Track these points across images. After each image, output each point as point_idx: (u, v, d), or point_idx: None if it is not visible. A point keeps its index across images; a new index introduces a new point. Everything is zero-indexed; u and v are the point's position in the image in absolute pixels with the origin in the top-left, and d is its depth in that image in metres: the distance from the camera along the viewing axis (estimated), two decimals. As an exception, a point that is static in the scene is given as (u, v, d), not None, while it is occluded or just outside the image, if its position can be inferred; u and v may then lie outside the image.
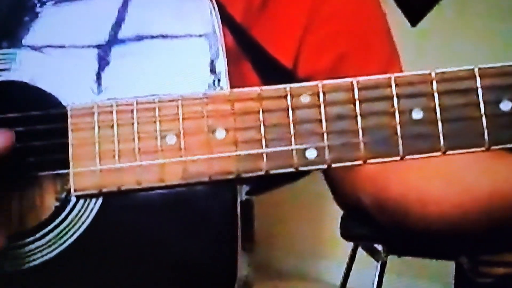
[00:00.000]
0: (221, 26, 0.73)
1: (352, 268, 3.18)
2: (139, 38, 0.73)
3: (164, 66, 0.73)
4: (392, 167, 0.83)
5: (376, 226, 0.93)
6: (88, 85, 0.72)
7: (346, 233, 2.86)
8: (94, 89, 0.72)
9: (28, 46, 0.73)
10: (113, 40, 0.73)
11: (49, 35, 0.74)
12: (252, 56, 0.86)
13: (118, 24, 0.73)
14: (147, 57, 0.73)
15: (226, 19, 0.79)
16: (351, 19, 0.91)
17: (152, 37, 0.73)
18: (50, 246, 0.70)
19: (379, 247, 2.88)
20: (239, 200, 0.72)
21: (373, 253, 2.90)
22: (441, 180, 0.82)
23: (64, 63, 0.72)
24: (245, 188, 0.74)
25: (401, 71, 0.92)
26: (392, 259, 2.83)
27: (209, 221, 0.72)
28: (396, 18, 0.99)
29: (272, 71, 0.87)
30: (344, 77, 0.89)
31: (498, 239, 0.84)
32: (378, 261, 2.85)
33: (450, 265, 2.82)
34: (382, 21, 0.95)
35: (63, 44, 0.73)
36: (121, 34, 0.73)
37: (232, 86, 0.72)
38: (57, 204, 0.71)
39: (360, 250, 3.07)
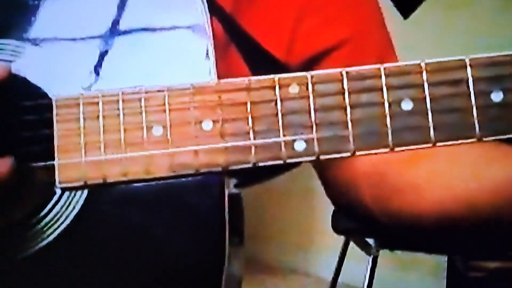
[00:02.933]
0: (209, 16, 0.72)
1: (344, 262, 3.18)
2: (128, 31, 0.72)
3: (154, 59, 0.72)
4: (388, 161, 0.83)
5: (368, 223, 0.92)
6: (78, 77, 0.71)
7: (337, 227, 2.86)
8: (89, 81, 0.71)
9: (26, 38, 0.72)
10: (112, 32, 0.72)
11: (45, 27, 0.73)
12: (241, 46, 0.85)
13: (116, 16, 0.72)
14: (140, 50, 0.72)
15: (215, 10, 0.78)
16: (344, 7, 0.90)
17: (141, 29, 0.72)
18: (34, 240, 0.69)
19: (371, 241, 2.87)
20: (227, 193, 0.71)
21: (364, 247, 2.90)
22: (444, 172, 0.81)
23: (59, 56, 0.72)
24: (233, 181, 0.73)
25: (397, 60, 0.92)
26: (384, 253, 2.83)
27: (196, 215, 0.71)
28: (387, 10, 0.98)
29: (262, 62, 0.86)
30: (338, 67, 0.88)
31: (490, 240, 0.84)
32: (369, 255, 2.85)
33: (442, 259, 2.83)
34: (376, 9, 0.94)
35: (59, 36, 0.72)
36: (121, 26, 0.72)
37: (220, 77, 0.71)
38: (42, 196, 0.70)
39: (351, 244, 3.07)
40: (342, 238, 3.15)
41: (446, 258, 2.87)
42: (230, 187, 0.72)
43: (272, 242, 4.23)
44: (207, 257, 0.71)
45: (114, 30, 0.73)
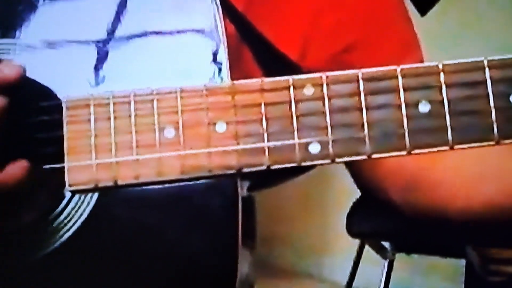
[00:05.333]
0: (222, 16, 0.71)
1: (359, 266, 3.16)
2: (138, 34, 0.72)
3: (164, 60, 0.71)
4: (421, 161, 0.82)
5: (382, 225, 0.92)
6: (85, 78, 0.70)
7: (352, 230, 2.83)
8: (91, 82, 0.70)
9: (25, 39, 0.72)
10: (112, 35, 0.71)
11: (47, 29, 0.72)
12: (254, 47, 0.84)
13: (117, 19, 0.71)
14: (146, 52, 0.71)
15: (227, 9, 0.77)
16: (360, 7, 0.89)
17: (151, 32, 0.72)
18: (45, 241, 0.68)
19: (387, 245, 2.85)
20: (240, 196, 0.70)
21: (380, 250, 2.87)
22: (472, 176, 0.81)
23: (61, 57, 0.71)
24: (246, 184, 0.72)
25: (421, 60, 0.90)
26: (400, 257, 2.81)
27: (209, 218, 0.70)
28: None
29: (275, 63, 0.85)
30: (352, 68, 0.87)
31: None
32: (385, 259, 2.82)
33: (460, 264, 2.80)
34: (396, 7, 0.92)
35: (61, 39, 0.72)
36: (121, 30, 0.71)
37: (233, 77, 0.70)
38: (52, 199, 0.69)
39: (367, 248, 3.05)
40: (357, 242, 3.13)
41: (464, 262, 2.85)
42: (244, 190, 0.71)
43: (286, 245, 4.22)
44: (220, 260, 0.70)
45: (117, 34, 0.72)
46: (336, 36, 0.88)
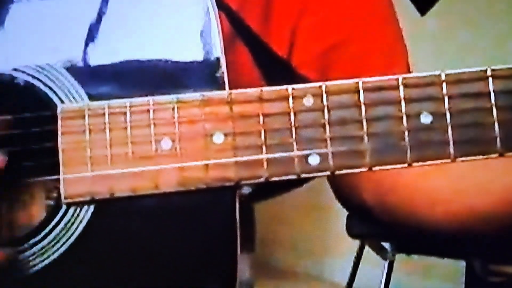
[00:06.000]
0: (216, 7, 0.70)
1: (359, 267, 3.15)
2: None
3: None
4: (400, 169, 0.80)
5: (380, 226, 0.90)
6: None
7: (352, 231, 2.82)
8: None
9: None
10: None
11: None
12: (247, 42, 0.83)
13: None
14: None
15: (222, 7, 0.76)
16: (344, 7, 0.88)
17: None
18: (40, 255, 0.67)
19: (387, 245, 2.84)
20: (237, 199, 0.68)
21: (380, 251, 2.86)
22: (450, 180, 0.79)
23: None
24: (247, 189, 0.71)
25: (407, 64, 0.89)
26: (400, 258, 2.80)
27: (206, 223, 0.69)
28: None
29: (267, 58, 0.85)
30: (339, 67, 0.85)
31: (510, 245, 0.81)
32: (385, 260, 2.81)
33: (461, 264, 2.79)
34: (383, 9, 0.91)
35: None
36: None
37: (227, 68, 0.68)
38: (47, 211, 0.68)
39: (367, 249, 3.04)
40: (357, 242, 3.12)
41: (464, 263, 2.84)
42: (241, 194, 0.70)
43: (286, 247, 4.21)
44: (219, 267, 0.68)
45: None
46: (319, 36, 0.87)
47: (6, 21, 0.71)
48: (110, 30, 0.70)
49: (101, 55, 0.69)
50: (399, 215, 0.83)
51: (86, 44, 0.69)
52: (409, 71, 0.88)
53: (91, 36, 0.69)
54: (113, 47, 0.69)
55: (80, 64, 0.69)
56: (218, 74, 0.68)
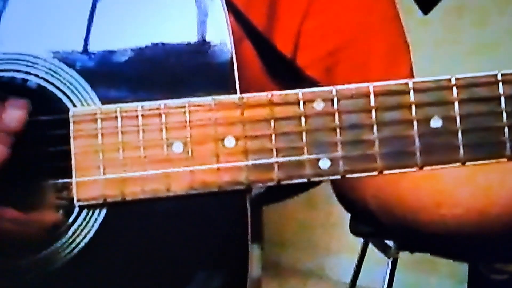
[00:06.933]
0: (227, 13, 0.70)
1: (363, 265, 3.15)
2: None
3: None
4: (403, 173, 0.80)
5: (382, 228, 0.91)
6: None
7: (356, 229, 2.83)
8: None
9: None
10: None
11: None
12: (254, 42, 0.84)
13: None
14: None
15: (229, 6, 0.76)
16: (345, 11, 0.88)
17: None
18: (53, 257, 0.67)
19: (390, 243, 2.85)
20: (248, 202, 0.69)
21: (384, 249, 2.87)
22: (456, 183, 0.79)
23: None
24: (258, 189, 0.71)
25: (409, 64, 0.89)
26: (403, 256, 2.80)
27: (218, 225, 0.69)
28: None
29: (274, 59, 0.85)
30: (344, 68, 0.85)
31: None
32: (389, 258, 2.82)
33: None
34: (386, 11, 0.91)
35: None
36: None
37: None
38: (60, 214, 0.68)
39: (370, 247, 3.04)
40: (360, 240, 3.13)
41: (467, 261, 2.84)
42: (252, 196, 0.70)
43: (291, 245, 4.22)
44: (231, 266, 0.69)
45: None
46: (320, 40, 0.87)
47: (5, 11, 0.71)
48: (109, 16, 0.70)
49: (101, 42, 0.69)
50: (402, 218, 0.83)
51: (88, 32, 0.69)
52: (411, 70, 0.88)
53: (90, 24, 0.69)
54: (112, 34, 0.69)
55: (81, 53, 0.69)
56: (228, 76, 0.68)
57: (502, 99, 0.64)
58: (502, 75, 0.65)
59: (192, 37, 0.70)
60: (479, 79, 0.65)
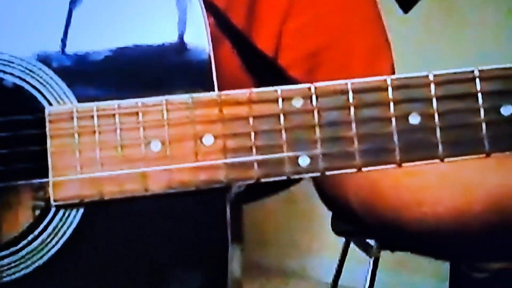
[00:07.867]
0: (205, 12, 0.70)
1: (344, 264, 3.16)
2: None
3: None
4: (385, 170, 0.80)
5: (365, 227, 0.91)
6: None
7: (337, 228, 2.84)
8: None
9: None
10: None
11: None
12: (233, 41, 0.83)
13: None
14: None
15: (210, 7, 0.76)
16: (326, 11, 0.88)
17: None
18: (27, 260, 0.66)
19: (372, 242, 2.86)
20: (227, 200, 0.69)
21: (365, 248, 2.88)
22: (437, 181, 0.79)
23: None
24: (238, 187, 0.71)
25: (391, 63, 0.89)
26: (385, 255, 2.81)
27: (197, 225, 0.69)
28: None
29: (255, 58, 0.85)
30: (325, 69, 0.86)
31: (498, 246, 0.81)
32: (371, 257, 2.83)
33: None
34: (367, 11, 0.91)
35: None
36: None
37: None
38: (35, 214, 0.67)
39: (352, 246, 3.05)
40: (342, 240, 3.13)
41: (448, 259, 2.85)
42: (231, 193, 0.70)
43: (272, 245, 4.22)
44: (211, 266, 0.68)
45: None
46: (302, 41, 0.87)
47: None
48: (87, 16, 0.69)
49: (79, 42, 0.69)
50: (383, 216, 0.83)
51: (66, 31, 0.69)
52: (393, 69, 0.89)
53: (68, 23, 0.69)
54: (90, 33, 0.69)
55: (59, 53, 0.68)
56: (206, 75, 0.68)
57: (479, 95, 0.64)
58: (479, 71, 0.65)
59: (171, 37, 0.69)
60: (457, 75, 0.65)
